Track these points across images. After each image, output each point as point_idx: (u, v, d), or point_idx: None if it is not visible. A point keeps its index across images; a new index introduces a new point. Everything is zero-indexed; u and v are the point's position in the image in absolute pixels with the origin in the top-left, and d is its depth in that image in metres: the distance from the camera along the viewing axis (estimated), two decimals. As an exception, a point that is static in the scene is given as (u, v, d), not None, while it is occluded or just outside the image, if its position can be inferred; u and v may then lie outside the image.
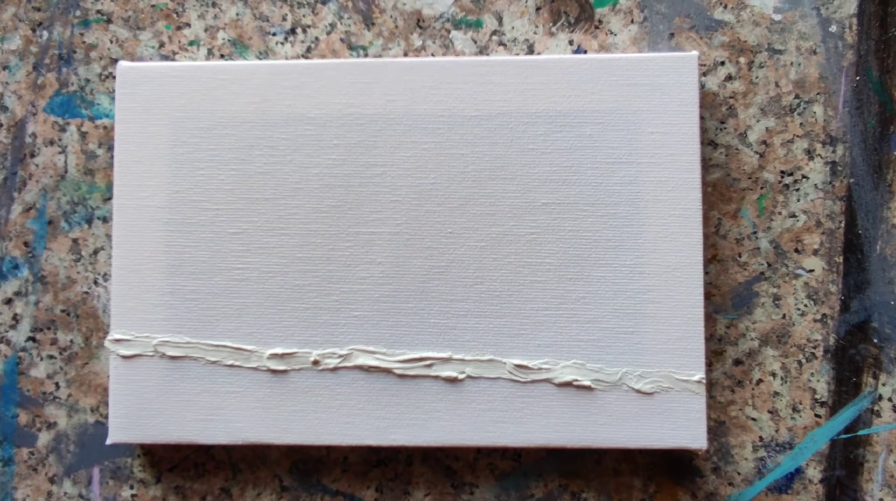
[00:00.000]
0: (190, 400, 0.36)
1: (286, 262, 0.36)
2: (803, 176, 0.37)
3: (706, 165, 0.37)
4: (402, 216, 0.36)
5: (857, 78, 0.37)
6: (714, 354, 0.37)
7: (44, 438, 0.39)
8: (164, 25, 0.39)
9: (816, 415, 0.37)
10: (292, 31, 0.39)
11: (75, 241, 0.39)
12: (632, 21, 0.38)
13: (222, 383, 0.36)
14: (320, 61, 0.37)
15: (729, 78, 0.38)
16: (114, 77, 0.39)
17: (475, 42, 0.38)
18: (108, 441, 0.37)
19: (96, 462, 0.39)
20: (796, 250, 0.37)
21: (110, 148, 0.39)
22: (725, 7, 0.38)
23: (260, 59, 0.39)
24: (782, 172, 0.37)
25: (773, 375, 0.37)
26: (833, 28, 0.37)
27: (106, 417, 0.39)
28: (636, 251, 0.36)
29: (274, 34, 0.39)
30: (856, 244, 0.37)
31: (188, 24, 0.39)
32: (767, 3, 0.38)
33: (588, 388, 0.35)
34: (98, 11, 0.39)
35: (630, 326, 0.35)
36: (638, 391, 0.35)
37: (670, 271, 0.35)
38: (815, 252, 0.37)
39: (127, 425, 0.36)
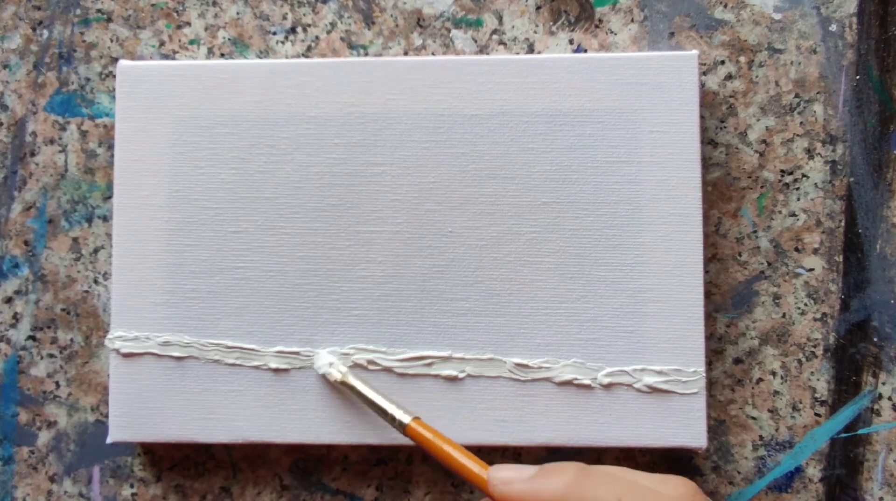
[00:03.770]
0: (190, 399, 0.36)
1: (286, 261, 0.37)
2: (803, 175, 0.37)
3: (706, 164, 0.37)
4: (403, 215, 0.36)
5: (857, 77, 0.37)
6: (714, 353, 0.37)
7: (44, 437, 0.39)
8: (164, 24, 0.39)
9: (816, 414, 0.37)
10: (293, 30, 0.39)
11: (75, 240, 0.39)
12: (632, 20, 0.38)
13: (223, 382, 0.36)
14: (321, 60, 0.37)
15: (729, 77, 0.38)
16: (114, 76, 0.39)
17: (475, 41, 0.38)
18: (109, 440, 0.37)
19: (96, 460, 0.39)
20: (796, 249, 0.37)
21: (110, 147, 0.39)
22: (726, 6, 0.38)
23: (260, 58, 0.39)
24: (782, 171, 0.37)
25: (773, 374, 0.37)
26: (833, 27, 0.37)
27: (106, 416, 0.39)
28: (636, 250, 0.36)
29: (274, 33, 0.39)
30: (856, 243, 0.37)
31: (188, 23, 0.39)
32: (767, 3, 0.38)
33: (588, 387, 0.35)
34: (98, 10, 0.39)
35: (630, 325, 0.35)
36: (638, 390, 0.35)
37: (670, 269, 0.35)
38: (815, 251, 0.37)
39: (127, 424, 0.36)
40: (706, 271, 0.37)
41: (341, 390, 0.36)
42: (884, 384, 0.37)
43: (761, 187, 0.37)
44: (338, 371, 0.35)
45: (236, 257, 0.37)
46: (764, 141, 0.37)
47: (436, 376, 0.36)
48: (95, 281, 0.39)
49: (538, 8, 0.38)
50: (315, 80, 0.37)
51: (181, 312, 0.37)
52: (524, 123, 0.36)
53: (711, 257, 0.37)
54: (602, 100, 0.36)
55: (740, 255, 0.37)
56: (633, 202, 0.36)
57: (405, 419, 0.33)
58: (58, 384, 0.39)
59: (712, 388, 0.37)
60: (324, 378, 0.36)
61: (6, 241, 0.39)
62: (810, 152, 0.37)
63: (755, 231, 0.37)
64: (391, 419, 0.34)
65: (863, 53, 0.37)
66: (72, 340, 0.39)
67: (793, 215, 0.37)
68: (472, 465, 0.31)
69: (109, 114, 0.39)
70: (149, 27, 0.39)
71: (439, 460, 0.32)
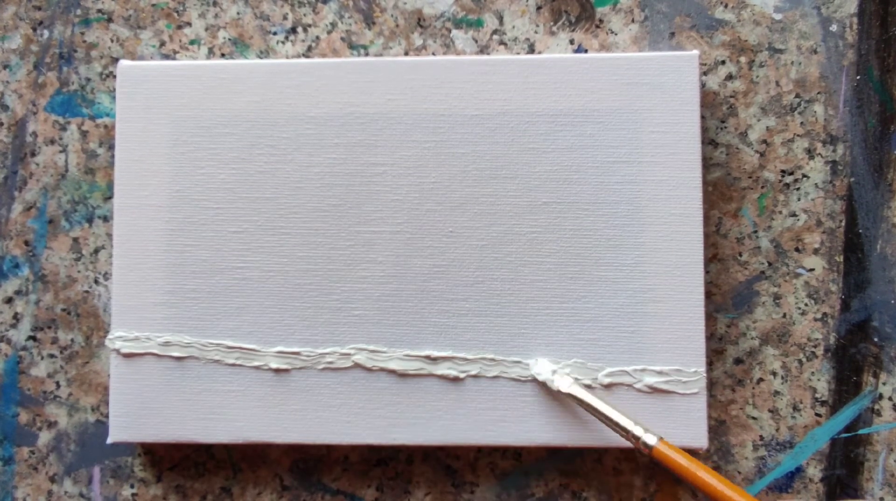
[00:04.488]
0: (190, 399, 0.36)
1: (287, 261, 0.36)
2: (804, 175, 0.37)
3: (707, 164, 0.37)
4: (403, 215, 0.36)
5: (858, 77, 0.37)
6: (715, 353, 0.37)
7: (44, 437, 0.39)
8: (164, 24, 0.39)
9: (817, 414, 0.37)
10: (293, 30, 0.39)
11: (76, 240, 0.39)
12: (632, 20, 0.38)
13: (223, 382, 0.36)
14: (321, 60, 0.37)
15: (729, 77, 0.38)
16: (114, 76, 0.39)
17: (476, 41, 0.38)
18: (109, 441, 0.37)
19: (97, 461, 0.39)
20: (797, 250, 0.37)
21: (111, 147, 0.39)
22: (726, 6, 0.38)
23: (261, 58, 0.39)
24: (783, 171, 0.37)
25: (774, 374, 0.37)
26: (834, 27, 0.37)
27: (106, 416, 0.39)
28: (637, 250, 0.36)
29: (275, 33, 0.39)
30: (856, 243, 0.37)
31: (189, 24, 0.39)
32: (768, 3, 0.38)
33: (589, 387, 0.35)
34: (99, 10, 0.39)
35: (631, 325, 0.35)
36: (639, 391, 0.35)
37: (671, 270, 0.35)
38: (816, 251, 0.37)
39: (127, 424, 0.36)
40: (707, 272, 0.37)
41: (561, 399, 0.35)
42: (884, 384, 0.37)
43: (762, 187, 0.37)
44: (565, 382, 0.34)
45: (236, 257, 0.37)
46: (764, 141, 0.37)
47: (436, 376, 0.36)
48: (96, 281, 0.39)
49: (539, 8, 0.38)
50: (315, 80, 0.37)
51: (181, 312, 0.37)
52: (525, 123, 0.36)
53: (712, 258, 0.37)
54: (603, 100, 0.36)
55: (741, 255, 0.37)
56: (633, 202, 0.36)
57: (650, 440, 0.32)
58: (58, 385, 0.39)
59: (713, 388, 0.37)
60: (543, 385, 0.35)
61: (6, 241, 0.39)
62: (811, 152, 0.37)
63: (756, 231, 0.37)
64: (633, 438, 0.33)
65: (863, 54, 0.37)
66: (72, 340, 0.39)
67: (793, 215, 0.37)
68: (735, 496, 0.29)
69: (110, 114, 0.39)
70: (149, 27, 0.39)
71: (691, 484, 0.30)
